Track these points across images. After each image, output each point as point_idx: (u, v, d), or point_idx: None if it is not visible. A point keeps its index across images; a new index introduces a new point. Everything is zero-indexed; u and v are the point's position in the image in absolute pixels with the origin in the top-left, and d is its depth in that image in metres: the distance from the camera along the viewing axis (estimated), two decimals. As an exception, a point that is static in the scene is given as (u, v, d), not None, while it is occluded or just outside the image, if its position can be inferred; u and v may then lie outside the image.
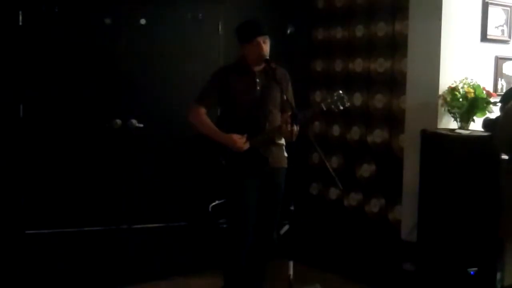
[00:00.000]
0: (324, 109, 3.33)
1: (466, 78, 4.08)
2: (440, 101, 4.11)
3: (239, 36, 3.41)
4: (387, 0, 4.72)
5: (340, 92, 3.33)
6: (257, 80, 3.39)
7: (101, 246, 4.64)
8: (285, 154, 3.47)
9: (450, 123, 4.16)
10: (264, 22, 3.44)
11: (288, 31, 5.32)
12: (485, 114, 4.02)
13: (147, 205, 4.92)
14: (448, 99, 4.03)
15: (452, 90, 4.03)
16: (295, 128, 3.12)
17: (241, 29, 3.41)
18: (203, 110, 3.39)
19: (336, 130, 5.25)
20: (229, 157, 3.32)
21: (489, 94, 4.03)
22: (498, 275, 3.87)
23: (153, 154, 4.90)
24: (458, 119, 4.05)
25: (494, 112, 4.01)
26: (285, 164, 3.47)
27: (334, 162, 5.23)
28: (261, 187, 3.40)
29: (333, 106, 3.32)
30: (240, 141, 3.29)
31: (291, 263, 3.11)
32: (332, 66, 5.28)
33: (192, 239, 4.90)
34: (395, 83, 4.66)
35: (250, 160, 3.32)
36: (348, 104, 3.39)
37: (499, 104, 3.88)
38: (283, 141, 3.45)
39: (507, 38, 4.44)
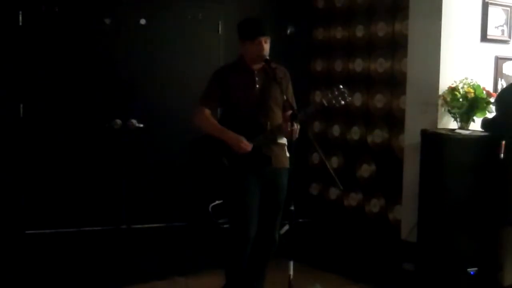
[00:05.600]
0: (326, 104, 3.31)
1: (466, 78, 4.08)
2: (440, 101, 4.11)
3: (241, 32, 3.39)
4: (387, 0, 4.72)
5: (341, 86, 3.32)
6: (256, 78, 3.38)
7: (101, 246, 4.64)
8: (287, 154, 3.46)
9: (450, 123, 4.16)
10: (266, 21, 3.44)
11: (288, 31, 5.32)
12: (485, 114, 4.02)
13: (147, 205, 4.92)
14: (448, 99, 4.03)
15: (452, 90, 4.03)
16: (295, 126, 3.11)
17: (243, 26, 3.39)
18: (207, 111, 3.38)
19: (336, 130, 5.25)
20: (231, 158, 3.32)
21: (489, 94, 4.03)
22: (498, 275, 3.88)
23: (153, 154, 4.90)
24: (458, 119, 4.05)
25: (494, 112, 4.01)
26: (287, 164, 3.45)
27: (334, 162, 5.23)
28: (263, 187, 3.39)
29: (334, 101, 3.31)
30: (245, 143, 3.28)
31: (291, 263, 3.11)
32: (332, 66, 5.29)
33: (192, 239, 4.90)
34: (395, 83, 4.66)
35: (253, 159, 3.31)
36: (350, 98, 3.37)
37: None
38: (284, 141, 3.44)
39: (507, 38, 4.44)
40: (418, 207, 4.06)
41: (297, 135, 3.16)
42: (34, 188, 4.71)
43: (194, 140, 3.44)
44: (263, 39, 3.31)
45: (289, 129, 3.11)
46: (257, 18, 3.45)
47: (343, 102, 3.32)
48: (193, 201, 4.89)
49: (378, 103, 4.83)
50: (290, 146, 3.39)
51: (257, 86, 3.38)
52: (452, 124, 4.14)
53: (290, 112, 3.13)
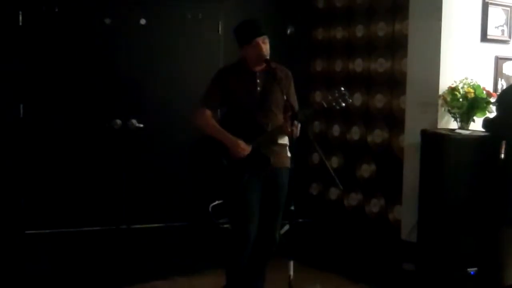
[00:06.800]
0: (325, 106, 3.31)
1: (466, 78, 4.08)
2: (440, 101, 4.11)
3: (238, 38, 3.39)
4: (387, 0, 4.72)
5: (342, 89, 3.31)
6: (258, 80, 3.38)
7: (101, 246, 4.64)
8: (288, 154, 3.46)
9: (450, 123, 4.16)
10: (261, 21, 3.41)
11: (288, 31, 5.32)
12: (485, 114, 4.02)
13: (147, 205, 4.92)
14: (448, 99, 4.03)
15: (452, 90, 4.03)
16: (296, 127, 3.10)
17: (239, 31, 3.39)
18: (208, 112, 3.37)
19: (336, 130, 5.25)
20: (231, 158, 3.32)
21: (489, 94, 4.03)
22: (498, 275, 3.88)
23: (153, 154, 4.90)
24: (458, 119, 4.06)
25: (494, 112, 4.01)
26: (288, 164, 3.45)
27: (334, 162, 5.23)
28: (264, 187, 3.39)
29: (334, 103, 3.30)
30: (244, 147, 3.28)
31: (291, 263, 3.10)
32: (332, 66, 5.29)
33: (192, 239, 4.90)
34: (395, 83, 4.66)
35: (252, 160, 3.31)
36: (350, 101, 3.37)
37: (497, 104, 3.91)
38: (286, 141, 3.43)
39: (507, 38, 4.44)
40: (418, 207, 4.06)
41: (298, 135, 3.16)
42: (34, 188, 4.71)
43: (193, 144, 3.44)
44: (260, 39, 3.30)
45: (289, 129, 3.11)
46: (250, 20, 3.41)
47: (343, 105, 3.32)
48: (193, 201, 4.89)
49: (378, 103, 4.83)
50: (291, 145, 3.38)
51: (258, 88, 3.38)
52: (452, 124, 4.14)
53: (290, 113, 3.12)
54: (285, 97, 3.25)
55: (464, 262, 3.81)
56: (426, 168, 3.98)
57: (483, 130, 3.96)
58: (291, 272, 3.11)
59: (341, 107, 3.34)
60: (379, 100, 4.82)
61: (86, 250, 4.56)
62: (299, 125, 3.14)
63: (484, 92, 4.02)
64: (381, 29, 4.80)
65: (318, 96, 5.35)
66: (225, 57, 4.73)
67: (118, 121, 4.76)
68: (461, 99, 3.98)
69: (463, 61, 4.20)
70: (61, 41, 4.69)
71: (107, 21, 4.75)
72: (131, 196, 4.85)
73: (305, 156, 5.46)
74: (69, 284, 3.99)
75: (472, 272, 3.79)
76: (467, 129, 3.99)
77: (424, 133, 4.02)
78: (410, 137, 4.30)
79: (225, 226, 4.57)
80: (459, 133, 3.90)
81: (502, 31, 4.40)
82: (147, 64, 4.85)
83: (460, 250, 3.81)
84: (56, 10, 4.64)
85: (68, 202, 4.76)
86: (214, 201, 4.71)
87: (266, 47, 3.31)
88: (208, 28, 4.99)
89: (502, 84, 4.42)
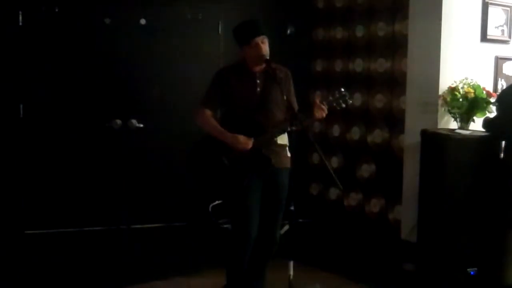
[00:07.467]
0: (327, 107, 3.32)
1: (466, 78, 4.08)
2: (440, 101, 4.11)
3: (237, 38, 3.40)
4: (387, 0, 4.72)
5: (342, 90, 3.32)
6: (258, 81, 3.38)
7: (101, 246, 4.64)
8: (288, 155, 3.46)
9: (450, 123, 4.16)
10: (260, 21, 3.42)
11: (288, 31, 5.32)
12: (485, 114, 4.02)
13: (147, 205, 4.93)
14: (448, 99, 4.03)
15: (452, 90, 4.03)
16: (324, 110, 3.21)
17: (237, 31, 3.39)
18: (208, 112, 3.38)
19: (336, 130, 5.25)
20: (232, 158, 3.32)
21: (489, 94, 4.03)
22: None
23: (153, 154, 4.90)
24: (458, 119, 4.06)
25: (494, 112, 4.01)
26: (288, 164, 3.45)
27: (334, 162, 5.23)
28: (264, 187, 3.39)
29: (335, 104, 3.31)
30: (245, 141, 3.28)
31: (291, 263, 3.11)
32: (332, 66, 5.28)
33: (192, 239, 4.90)
34: (395, 83, 4.66)
35: (253, 160, 3.31)
36: (351, 101, 3.37)
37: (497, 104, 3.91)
38: (286, 142, 3.44)
39: (507, 38, 4.44)
40: (418, 207, 4.06)
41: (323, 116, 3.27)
42: (34, 188, 4.72)
43: (194, 144, 3.44)
44: (259, 39, 3.30)
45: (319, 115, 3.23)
46: (249, 20, 3.41)
47: (344, 105, 3.32)
48: (193, 201, 4.89)
49: (378, 103, 4.83)
50: (291, 145, 3.39)
51: (258, 89, 3.38)
52: (452, 124, 4.14)
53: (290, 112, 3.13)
54: (285, 98, 3.25)
55: (464, 262, 3.81)
56: (426, 168, 3.98)
57: (483, 130, 3.96)
58: (291, 272, 3.12)
59: (342, 108, 3.35)
60: (379, 100, 4.82)
61: (86, 250, 4.56)
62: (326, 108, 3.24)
63: (484, 92, 4.02)
64: (381, 29, 4.80)
65: (318, 96, 5.33)
66: (225, 57, 4.73)
67: (118, 121, 4.76)
68: (461, 99, 3.98)
69: (463, 61, 4.20)
70: (61, 41, 4.69)
71: (107, 21, 4.76)
72: (131, 196, 4.85)
73: (305, 156, 5.46)
74: (69, 284, 3.99)
75: (472, 272, 3.79)
76: (467, 129, 3.99)
77: (424, 133, 4.02)
78: (410, 137, 4.30)
79: (225, 226, 4.57)
80: (459, 133, 3.90)
81: (502, 31, 4.40)
82: (147, 64, 4.85)
83: (460, 250, 3.81)
84: (56, 10, 4.64)
85: (68, 202, 4.77)
86: (214, 201, 4.71)
87: (265, 47, 3.32)
88: (208, 28, 4.99)
89: (502, 84, 4.42)
